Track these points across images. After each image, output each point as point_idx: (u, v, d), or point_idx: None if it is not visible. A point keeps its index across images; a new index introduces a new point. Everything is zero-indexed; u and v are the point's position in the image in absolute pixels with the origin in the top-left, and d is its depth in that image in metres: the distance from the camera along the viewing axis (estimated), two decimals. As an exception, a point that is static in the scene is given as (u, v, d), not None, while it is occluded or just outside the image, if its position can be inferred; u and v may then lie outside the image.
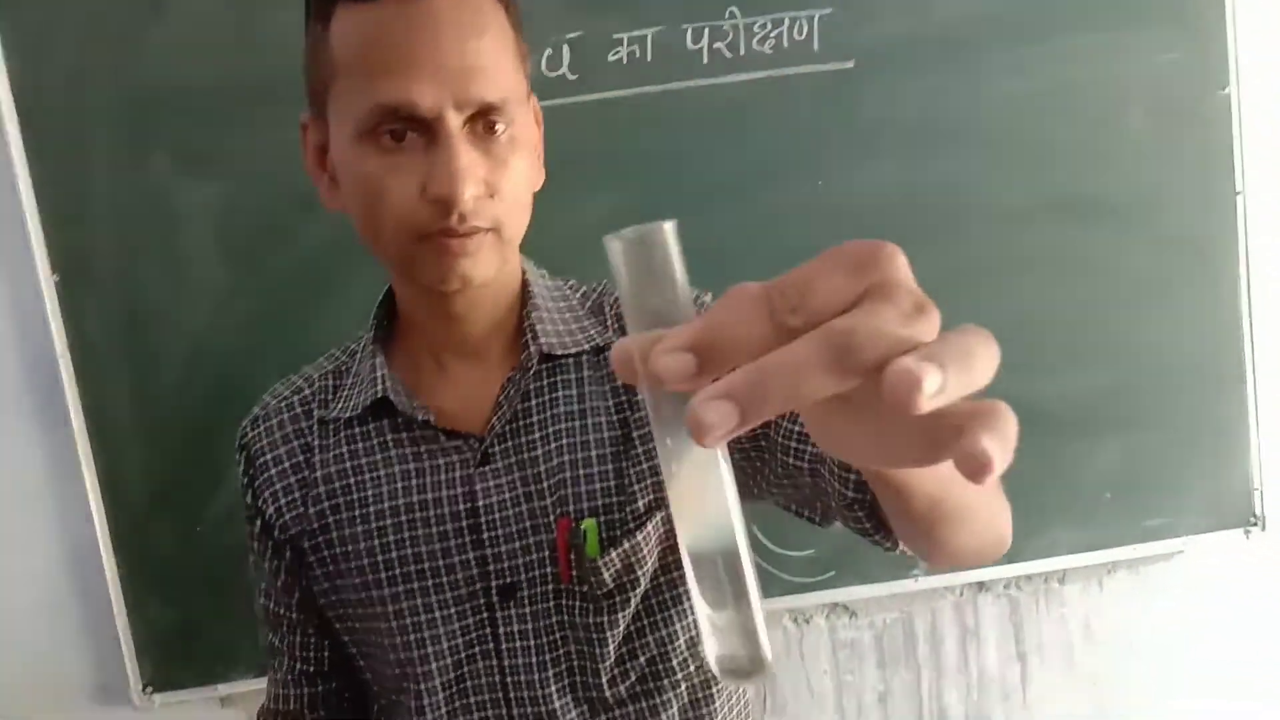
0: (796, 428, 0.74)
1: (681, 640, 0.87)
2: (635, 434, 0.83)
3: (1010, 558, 1.61)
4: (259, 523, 0.88)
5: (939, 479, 0.49)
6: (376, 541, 0.82)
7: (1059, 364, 1.60)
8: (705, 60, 1.50)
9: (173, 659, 1.53)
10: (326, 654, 0.91)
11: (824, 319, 0.31)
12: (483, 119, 0.72)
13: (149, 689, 1.53)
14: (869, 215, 1.53)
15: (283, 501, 0.86)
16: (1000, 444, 0.30)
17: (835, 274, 0.32)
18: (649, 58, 1.48)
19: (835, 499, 0.72)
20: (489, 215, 0.73)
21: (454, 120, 0.70)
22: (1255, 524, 1.68)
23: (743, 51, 1.50)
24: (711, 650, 0.35)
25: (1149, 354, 1.62)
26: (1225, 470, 1.66)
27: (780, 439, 0.75)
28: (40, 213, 1.43)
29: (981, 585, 1.70)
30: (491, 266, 0.76)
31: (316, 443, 0.86)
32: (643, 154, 1.48)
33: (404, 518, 0.82)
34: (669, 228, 0.33)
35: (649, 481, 0.83)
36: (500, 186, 0.73)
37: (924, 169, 1.54)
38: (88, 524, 1.48)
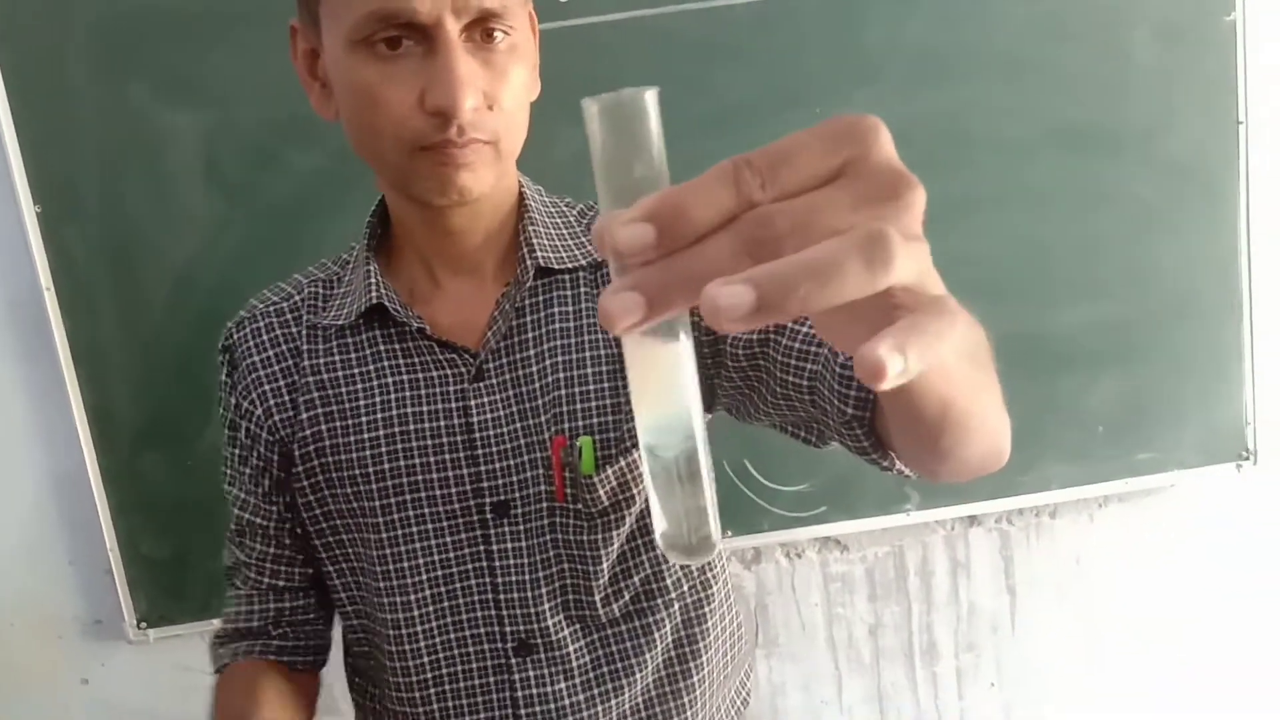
0: (796, 344, 0.72)
1: (667, 565, 0.87)
2: None
3: (1002, 492, 1.62)
4: (244, 427, 0.86)
5: (950, 382, 0.50)
6: (369, 452, 0.81)
7: (1056, 296, 1.59)
8: (705, -16, 1.46)
9: (166, 594, 1.54)
10: (298, 569, 0.90)
11: (790, 195, 0.30)
12: (481, 26, 0.69)
13: (143, 624, 1.54)
14: (867, 145, 1.51)
15: (271, 403, 0.84)
16: (902, 354, 0.29)
17: (810, 149, 0.31)
18: (646, -19, 1.45)
19: (834, 417, 0.70)
20: (488, 128, 0.71)
21: (452, 27, 0.67)
22: (1247, 458, 1.68)
23: (744, -26, 1.47)
24: (659, 527, 0.35)
25: (1146, 286, 1.61)
26: (1218, 404, 1.66)
27: (780, 357, 0.73)
28: (20, 143, 1.40)
29: (972, 519, 1.70)
30: (489, 180, 0.74)
31: (306, 347, 0.84)
32: (636, 81, 1.43)
33: (397, 429, 0.81)
34: (650, 95, 0.31)
35: None
36: (499, 98, 0.71)
37: (924, 97, 1.51)
38: (77, 460, 1.48)
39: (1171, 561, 1.77)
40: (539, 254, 0.81)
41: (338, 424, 0.82)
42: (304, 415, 0.83)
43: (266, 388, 0.84)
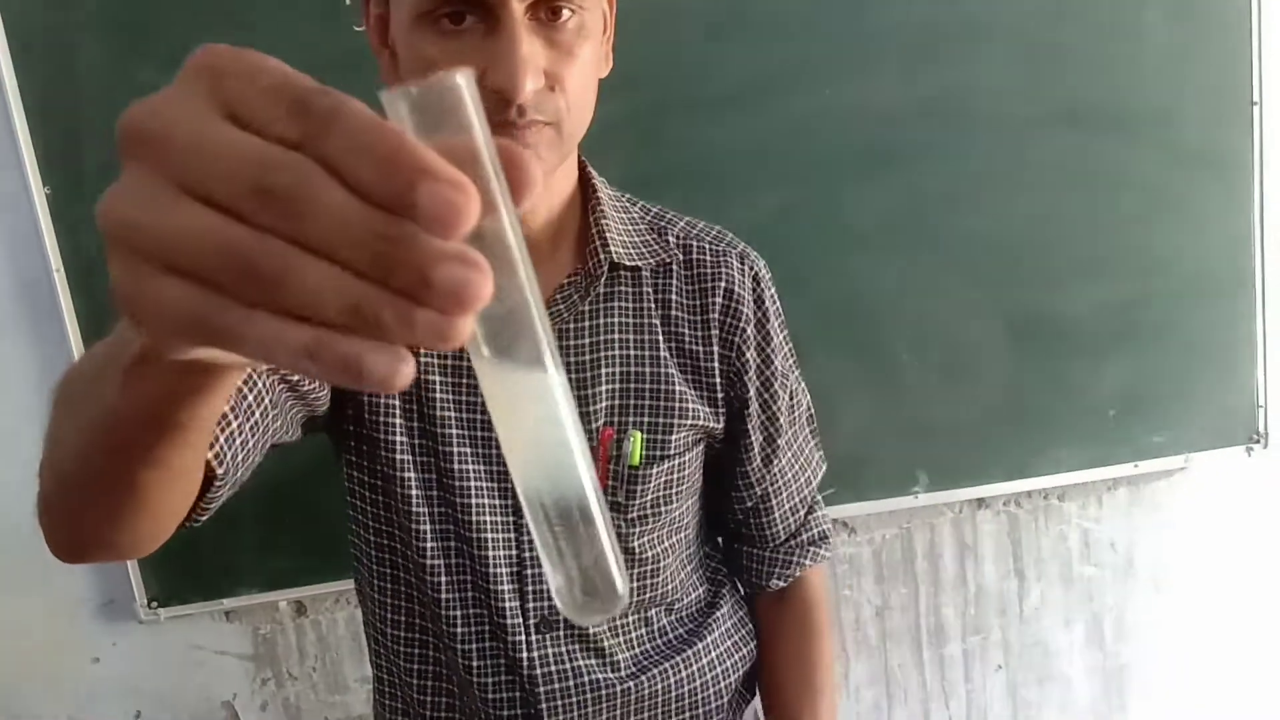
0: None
1: (692, 565, 0.92)
2: (687, 359, 0.85)
3: (1010, 474, 1.62)
4: None
5: None
6: (413, 393, 0.80)
7: (1066, 277, 1.58)
8: (712, -36, 1.45)
9: (178, 574, 1.55)
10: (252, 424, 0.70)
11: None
12: (548, 4, 0.68)
13: (154, 603, 1.55)
14: (877, 124, 1.50)
15: None
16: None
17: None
18: (654, -38, 1.43)
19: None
20: (550, 109, 0.70)
21: (517, 5, 0.66)
22: (1258, 441, 1.67)
23: (749, -44, 1.45)
24: (553, 584, 0.31)
25: (1157, 268, 1.60)
26: (1230, 386, 1.65)
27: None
28: (30, 125, 1.40)
29: (981, 502, 1.70)
30: (551, 162, 0.73)
31: None
32: (648, 61, 1.43)
33: (450, 379, 0.80)
34: (463, 81, 0.27)
35: (699, 409, 0.85)
36: (563, 78, 0.69)
37: (934, 76, 1.50)
38: (88, 440, 1.48)
39: (1181, 545, 1.77)
40: (612, 248, 0.82)
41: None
42: None
43: None
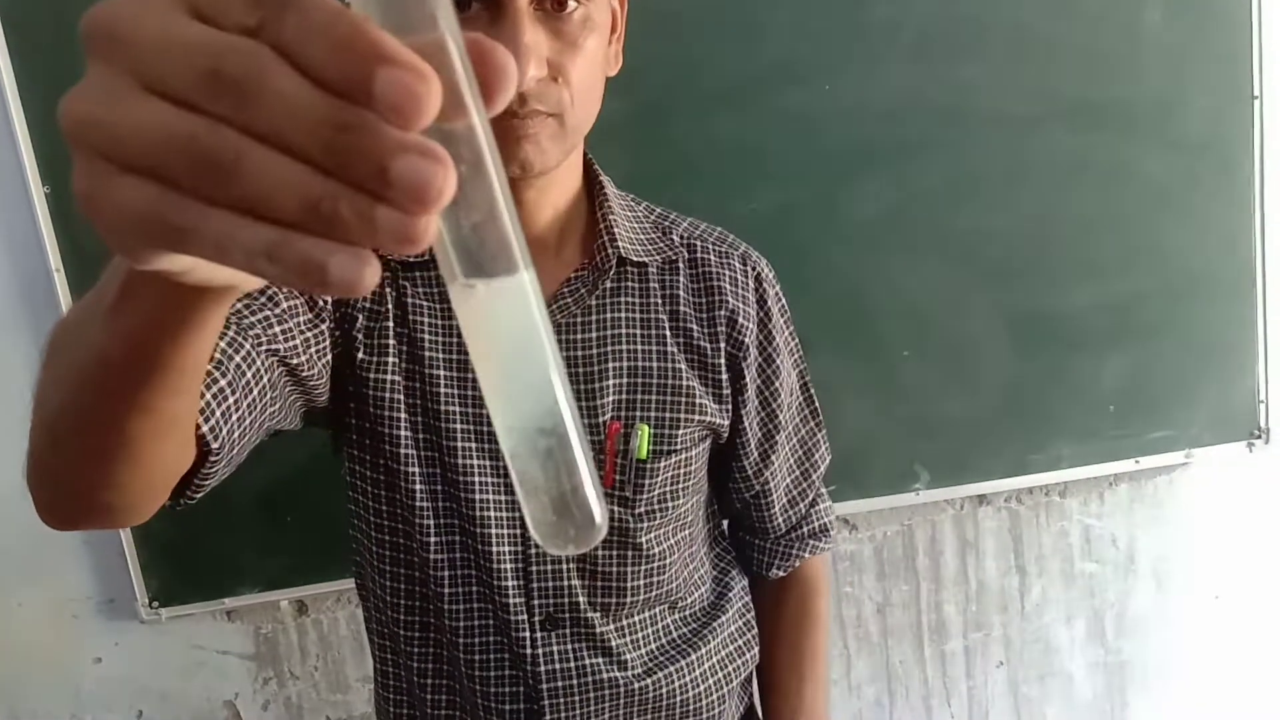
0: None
1: (696, 563, 0.92)
2: (695, 355, 0.85)
3: (1011, 471, 1.62)
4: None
5: None
6: (432, 389, 0.79)
7: (1066, 273, 1.58)
8: (713, -38, 1.45)
9: (179, 573, 1.54)
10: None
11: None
12: None
13: (156, 603, 1.55)
14: (876, 121, 1.50)
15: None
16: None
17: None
18: (652, -41, 1.43)
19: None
20: (552, 100, 0.70)
21: None
22: (1259, 437, 1.67)
23: (750, -46, 1.45)
24: (529, 515, 0.30)
25: (1157, 264, 1.60)
26: (1231, 382, 1.65)
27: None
28: (29, 124, 1.40)
29: (982, 499, 1.70)
30: (553, 155, 0.73)
31: (394, 264, 0.81)
32: (652, 57, 1.43)
33: (456, 374, 0.80)
34: None
35: (706, 404, 0.85)
36: (566, 69, 0.70)
37: (933, 72, 1.50)
38: (89, 440, 1.48)
39: (1182, 541, 1.77)
40: (620, 244, 0.82)
41: (405, 350, 0.80)
42: (385, 324, 0.80)
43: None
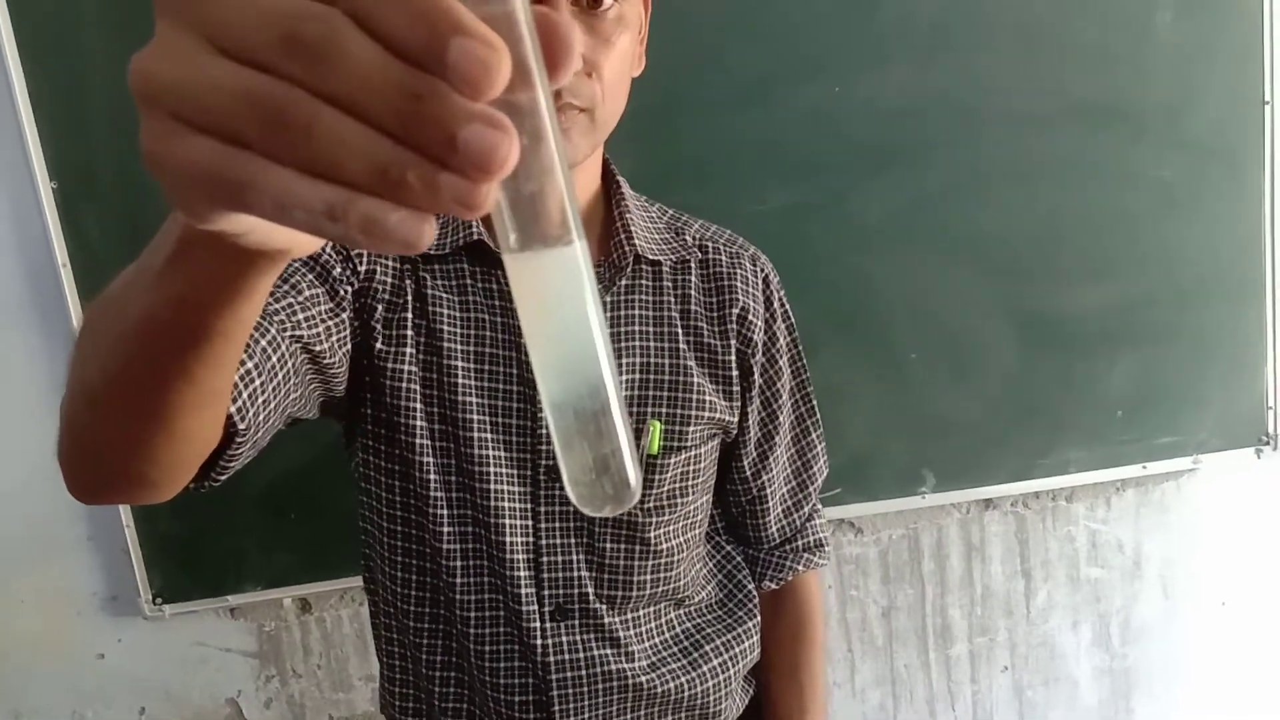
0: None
1: (703, 562, 0.93)
2: (705, 354, 0.86)
3: (1018, 475, 1.61)
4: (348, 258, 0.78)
5: None
6: (451, 379, 0.80)
7: (1076, 276, 1.58)
8: (724, -37, 1.45)
9: (182, 570, 1.55)
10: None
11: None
12: None
13: (159, 599, 1.55)
14: (888, 120, 1.50)
15: (389, 272, 0.80)
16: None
17: None
18: (662, -40, 1.43)
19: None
20: (585, 94, 0.71)
21: None
22: (1268, 443, 1.67)
23: (761, -46, 1.45)
24: (568, 477, 0.31)
25: (1167, 267, 1.59)
26: (1239, 388, 1.65)
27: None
28: (37, 122, 1.40)
29: (988, 503, 1.69)
30: (583, 148, 0.74)
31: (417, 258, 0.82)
32: (663, 56, 1.43)
33: (474, 365, 0.81)
34: None
35: (716, 402, 0.86)
36: (600, 66, 0.71)
37: (942, 74, 1.50)
38: (94, 436, 1.48)
39: (1189, 547, 1.76)
40: (637, 242, 0.83)
41: (423, 340, 0.80)
42: (404, 315, 0.80)
43: (387, 262, 0.81)
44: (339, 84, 0.23)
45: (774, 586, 0.98)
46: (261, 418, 0.63)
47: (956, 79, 1.50)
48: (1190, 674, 1.81)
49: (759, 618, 0.97)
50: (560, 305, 0.29)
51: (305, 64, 0.23)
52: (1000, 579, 1.73)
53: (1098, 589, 1.76)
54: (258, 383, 0.63)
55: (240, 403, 0.60)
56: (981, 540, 1.72)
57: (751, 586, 0.97)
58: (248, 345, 0.63)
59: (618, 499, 0.30)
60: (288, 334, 0.68)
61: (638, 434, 0.83)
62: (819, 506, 1.02)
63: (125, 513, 1.51)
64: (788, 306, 0.94)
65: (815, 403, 0.99)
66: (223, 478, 0.63)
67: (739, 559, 0.99)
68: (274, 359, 0.66)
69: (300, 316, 0.70)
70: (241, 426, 0.60)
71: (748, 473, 0.94)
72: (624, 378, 0.83)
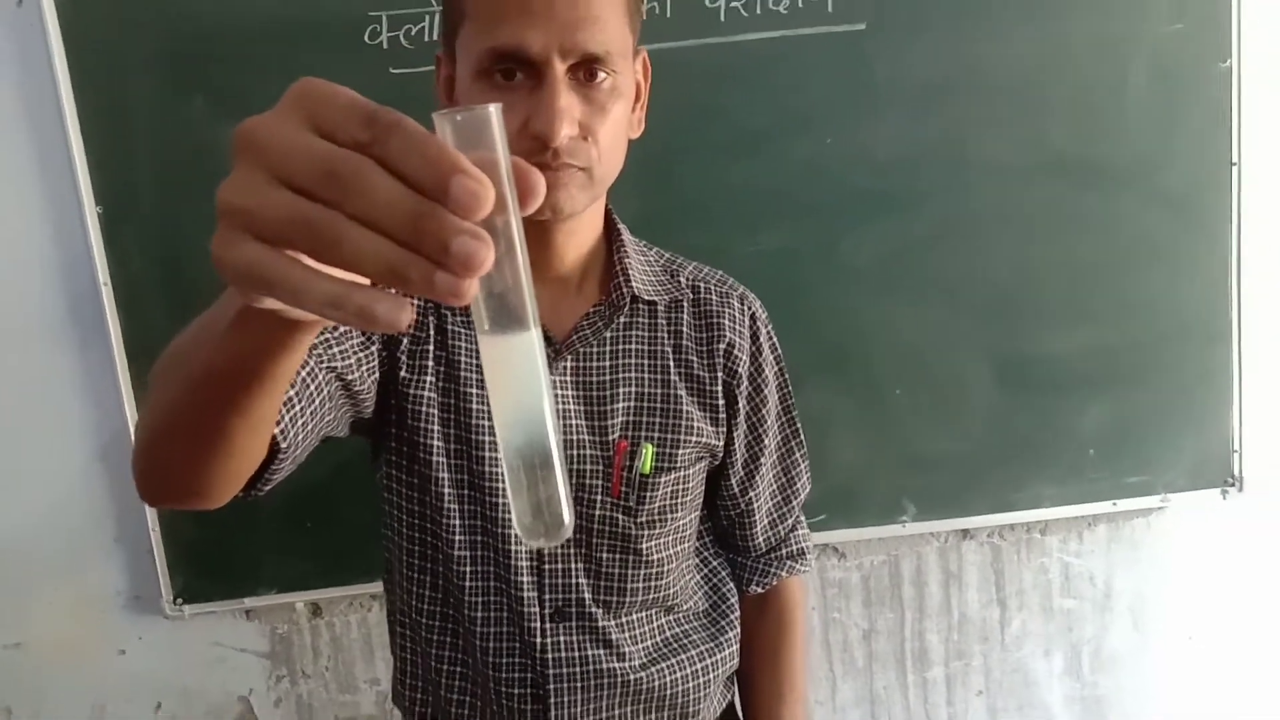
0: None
1: (691, 573, 1.03)
2: (694, 384, 0.96)
3: (995, 508, 1.70)
4: None
5: None
6: (452, 404, 0.90)
7: (1051, 321, 1.67)
8: (722, 18, 1.55)
9: (202, 573, 1.64)
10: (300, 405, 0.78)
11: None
12: (585, 67, 0.79)
13: (179, 600, 1.64)
14: (876, 170, 1.60)
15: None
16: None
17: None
18: (668, 14, 1.54)
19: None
20: (582, 155, 0.80)
21: (559, 66, 0.77)
22: (1233, 485, 1.75)
23: (759, 11, 1.55)
24: (517, 516, 0.39)
25: (1138, 316, 1.68)
26: (1206, 431, 1.73)
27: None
28: (85, 149, 1.50)
29: (965, 533, 1.78)
30: (580, 202, 0.83)
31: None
32: (660, 108, 1.53)
33: (481, 392, 0.90)
34: (493, 111, 0.36)
35: (704, 428, 0.96)
36: (595, 130, 0.80)
37: (929, 128, 1.60)
38: (126, 445, 1.58)
39: (1157, 581, 1.84)
40: (634, 284, 0.93)
41: (443, 370, 0.91)
42: (426, 348, 0.91)
43: (414, 299, 0.91)
44: (365, 207, 0.32)
45: (760, 590, 1.08)
46: (300, 437, 0.74)
47: (943, 133, 1.60)
48: (1158, 704, 1.88)
49: (739, 629, 1.06)
50: (518, 378, 0.38)
51: (339, 192, 0.32)
52: (976, 606, 1.82)
53: (1070, 619, 1.84)
54: (297, 408, 0.73)
55: (283, 425, 0.71)
56: (959, 568, 1.80)
57: (735, 599, 1.07)
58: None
59: (550, 534, 0.39)
60: (324, 365, 0.79)
61: (632, 456, 0.92)
62: (803, 519, 1.11)
63: (151, 518, 1.60)
64: (775, 340, 1.04)
65: (800, 425, 1.08)
66: (266, 488, 0.73)
67: (724, 574, 1.08)
68: (311, 387, 0.76)
69: (335, 350, 0.80)
70: (284, 445, 0.71)
71: (735, 490, 1.04)
72: (620, 405, 0.92)
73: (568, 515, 0.39)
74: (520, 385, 0.38)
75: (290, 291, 0.33)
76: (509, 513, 0.90)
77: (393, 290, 0.33)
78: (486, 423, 0.90)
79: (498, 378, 0.38)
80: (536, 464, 0.38)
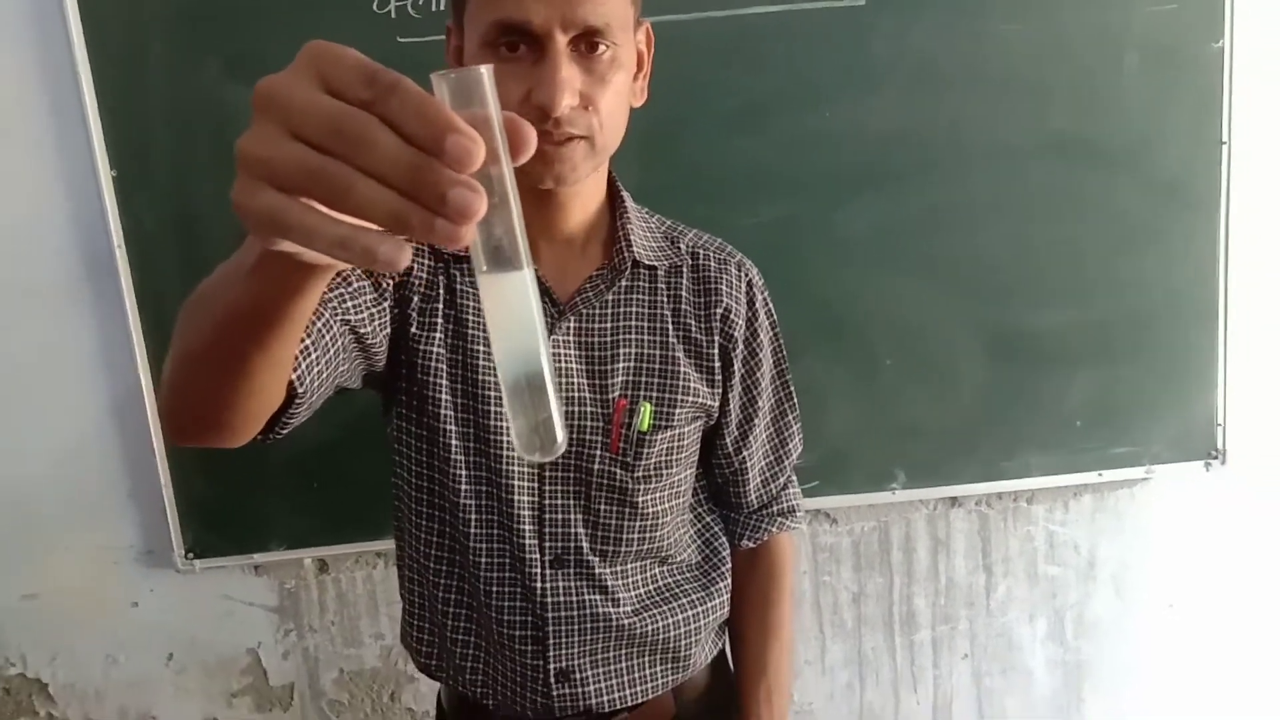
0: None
1: (685, 528, 1.08)
2: (691, 346, 1.01)
3: (983, 476, 1.75)
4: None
5: None
6: (460, 359, 0.94)
7: (1042, 297, 1.71)
8: (725, -8, 1.58)
9: (213, 528, 1.69)
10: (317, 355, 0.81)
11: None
12: (586, 39, 0.82)
13: (190, 555, 1.69)
14: (873, 146, 1.63)
15: (425, 269, 0.95)
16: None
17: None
18: (672, -13, 1.57)
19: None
20: (583, 124, 0.84)
21: (560, 38, 0.80)
22: (1216, 458, 1.80)
23: (761, -16, 1.58)
24: (516, 435, 0.43)
25: (1128, 292, 1.72)
26: (1191, 405, 1.78)
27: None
28: (100, 113, 1.54)
29: (954, 501, 1.83)
30: (582, 171, 0.87)
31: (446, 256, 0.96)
32: (660, 81, 1.57)
33: (488, 348, 0.94)
34: (485, 71, 0.38)
35: (700, 389, 1.01)
36: (596, 100, 0.84)
37: (925, 105, 1.63)
38: (139, 404, 1.63)
39: (1140, 551, 1.89)
40: (635, 249, 0.97)
41: (451, 326, 0.95)
42: (436, 305, 0.95)
43: (424, 261, 0.95)
44: (370, 160, 0.36)
45: (751, 545, 1.12)
46: (315, 385, 0.78)
47: (939, 110, 1.63)
48: (1138, 669, 1.94)
49: (730, 580, 1.11)
50: (513, 313, 0.42)
51: (347, 146, 0.36)
52: (963, 572, 1.87)
53: (1054, 586, 1.89)
54: (313, 356, 0.78)
55: (299, 371, 0.75)
56: (947, 535, 1.85)
57: (726, 553, 1.11)
58: (306, 326, 0.78)
59: (545, 450, 0.43)
60: (339, 318, 0.83)
61: (631, 414, 0.97)
62: (794, 478, 1.16)
63: (163, 473, 1.65)
64: (770, 306, 1.08)
65: (793, 389, 1.13)
66: (284, 432, 0.77)
67: (717, 529, 1.12)
68: (326, 338, 0.80)
69: (349, 304, 0.85)
70: (300, 390, 0.75)
71: (730, 449, 1.08)
72: (620, 365, 0.97)
73: (560, 434, 0.43)
74: (515, 320, 0.41)
75: (304, 233, 0.37)
76: (512, 464, 0.97)
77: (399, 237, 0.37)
78: (492, 378, 0.94)
79: (495, 314, 0.42)
80: (530, 390, 0.42)
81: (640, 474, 0.98)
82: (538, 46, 0.81)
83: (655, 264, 1.00)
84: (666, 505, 1.02)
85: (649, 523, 1.01)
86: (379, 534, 1.68)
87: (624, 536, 1.00)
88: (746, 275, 1.05)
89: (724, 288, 1.02)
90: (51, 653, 1.77)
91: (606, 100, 0.84)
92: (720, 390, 1.04)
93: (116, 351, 1.62)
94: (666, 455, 1.00)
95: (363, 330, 0.87)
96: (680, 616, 1.04)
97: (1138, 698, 1.95)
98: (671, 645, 1.04)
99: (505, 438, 0.95)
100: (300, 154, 0.36)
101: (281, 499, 1.68)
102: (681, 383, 0.99)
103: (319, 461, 1.65)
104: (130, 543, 1.72)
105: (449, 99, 0.38)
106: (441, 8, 1.54)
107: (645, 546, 1.02)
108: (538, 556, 0.97)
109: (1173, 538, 1.89)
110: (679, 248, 1.03)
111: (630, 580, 1.02)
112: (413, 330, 0.94)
